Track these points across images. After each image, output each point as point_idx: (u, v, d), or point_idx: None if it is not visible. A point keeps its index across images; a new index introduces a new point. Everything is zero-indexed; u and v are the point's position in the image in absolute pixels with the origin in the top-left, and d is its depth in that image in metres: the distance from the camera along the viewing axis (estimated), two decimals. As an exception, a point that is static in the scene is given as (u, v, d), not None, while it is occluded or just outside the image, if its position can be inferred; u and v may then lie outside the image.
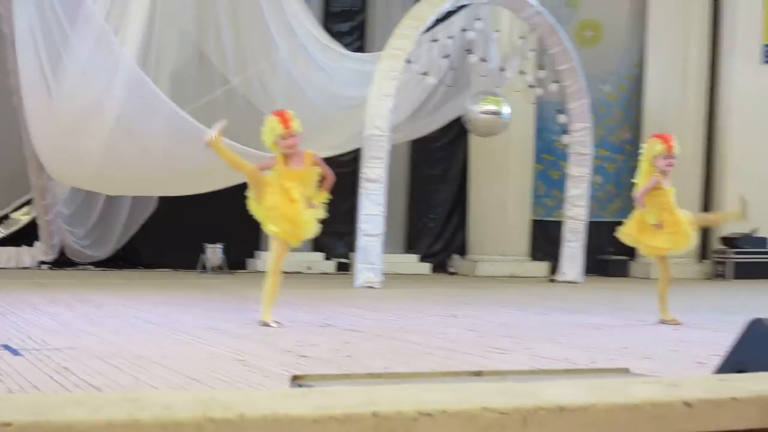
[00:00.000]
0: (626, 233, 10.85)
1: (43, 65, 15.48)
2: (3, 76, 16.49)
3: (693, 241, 10.81)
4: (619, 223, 19.96)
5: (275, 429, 3.38)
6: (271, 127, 9.51)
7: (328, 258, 19.35)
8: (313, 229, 9.79)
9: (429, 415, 3.51)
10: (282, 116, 9.54)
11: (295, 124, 9.53)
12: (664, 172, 10.42)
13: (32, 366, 6.55)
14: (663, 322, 10.22)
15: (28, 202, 18.45)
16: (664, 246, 10.57)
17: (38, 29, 15.39)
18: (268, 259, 10.29)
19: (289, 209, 9.44)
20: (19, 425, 3.16)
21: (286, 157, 9.50)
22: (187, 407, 3.40)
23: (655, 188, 10.39)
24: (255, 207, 9.70)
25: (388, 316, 10.52)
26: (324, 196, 9.73)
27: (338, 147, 16.81)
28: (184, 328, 9.16)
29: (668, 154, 10.33)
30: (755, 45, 19.68)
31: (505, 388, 3.91)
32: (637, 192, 10.55)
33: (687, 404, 3.73)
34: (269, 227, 9.66)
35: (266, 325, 9.35)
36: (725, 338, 7.16)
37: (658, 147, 10.34)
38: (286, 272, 17.87)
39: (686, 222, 10.58)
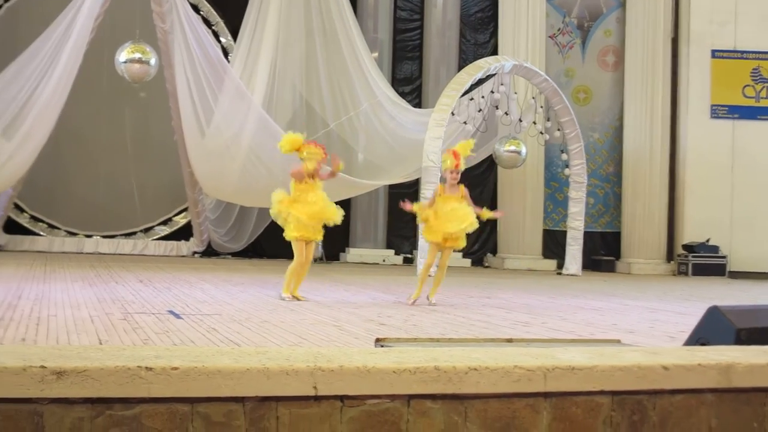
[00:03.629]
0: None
1: (197, 111, 15.58)
2: (168, 120, 16.58)
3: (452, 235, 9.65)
4: (607, 233, 20.14)
5: (365, 376, 3.36)
6: (314, 153, 9.41)
7: (397, 254, 19.30)
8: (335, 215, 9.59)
9: (475, 369, 3.48)
10: (323, 148, 9.53)
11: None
12: (451, 183, 9.47)
13: (189, 326, 6.56)
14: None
15: (185, 209, 18.56)
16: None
17: (193, 86, 15.50)
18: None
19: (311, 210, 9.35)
20: (184, 369, 3.16)
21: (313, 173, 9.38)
22: (301, 359, 3.39)
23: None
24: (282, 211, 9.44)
25: (441, 297, 10.41)
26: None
27: (410, 175, 16.82)
28: (295, 301, 9.16)
29: (454, 170, 9.39)
30: (705, 104, 19.51)
31: (530, 352, 3.86)
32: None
33: (665, 368, 3.68)
34: (291, 234, 9.48)
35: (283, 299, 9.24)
36: (689, 320, 7.08)
37: (448, 162, 9.42)
38: (366, 263, 18.16)
39: (451, 219, 9.44)
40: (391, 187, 18.29)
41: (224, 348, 4.82)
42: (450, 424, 3.44)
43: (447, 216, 9.30)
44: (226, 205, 17.78)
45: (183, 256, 18.05)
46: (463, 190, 9.52)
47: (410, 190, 18.56)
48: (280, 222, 9.43)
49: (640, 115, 19.71)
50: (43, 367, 3.01)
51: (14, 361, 3.02)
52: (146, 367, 3.10)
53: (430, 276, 9.65)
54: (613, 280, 16.27)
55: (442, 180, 9.80)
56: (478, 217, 9.47)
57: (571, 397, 3.58)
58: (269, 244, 18.66)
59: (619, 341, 4.80)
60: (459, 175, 9.39)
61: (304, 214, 9.21)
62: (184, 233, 18.64)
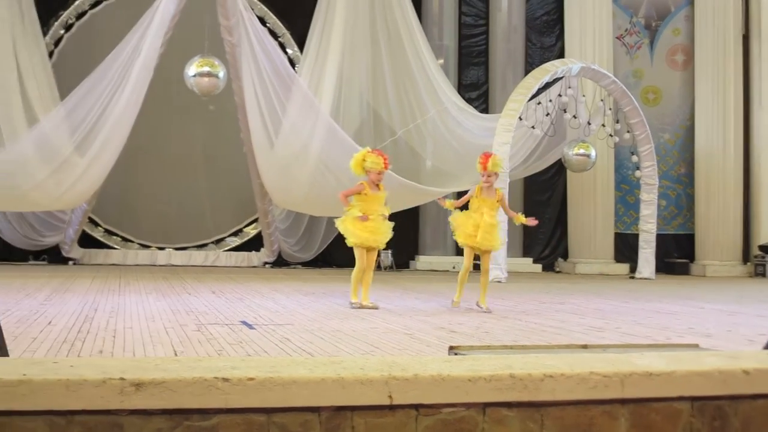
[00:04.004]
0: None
1: (266, 122, 15.71)
2: (237, 132, 16.75)
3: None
4: (680, 235, 19.85)
5: (440, 385, 3.34)
6: (375, 162, 9.30)
7: (466, 260, 19.22)
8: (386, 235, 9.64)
9: (551, 376, 3.44)
10: (383, 156, 9.42)
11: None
12: (486, 186, 9.55)
13: (262, 337, 6.60)
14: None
15: (255, 220, 18.73)
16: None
17: (261, 97, 15.63)
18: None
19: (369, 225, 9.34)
20: (260, 379, 3.18)
21: (373, 184, 9.34)
22: (375, 368, 3.38)
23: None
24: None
25: (512, 303, 10.38)
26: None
27: (478, 182, 16.68)
28: (366, 310, 9.16)
29: (484, 172, 9.46)
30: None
31: (606, 358, 3.81)
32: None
33: (745, 372, 3.60)
34: (350, 240, 9.45)
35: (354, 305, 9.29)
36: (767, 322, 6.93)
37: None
38: (436, 270, 18.13)
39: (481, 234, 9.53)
40: (460, 193, 18.23)
41: (299, 358, 4.84)
42: (526, 432, 3.41)
43: (478, 227, 9.29)
44: (296, 215, 17.90)
45: (254, 267, 18.21)
46: (499, 193, 9.64)
47: (479, 196, 18.54)
48: (341, 230, 9.49)
49: (711, 114, 19.42)
50: (122, 379, 3.05)
51: (94, 374, 3.07)
52: (223, 378, 3.13)
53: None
54: (687, 283, 16.02)
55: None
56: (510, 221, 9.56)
57: (650, 403, 3.52)
58: (339, 254, 18.73)
59: (697, 345, 4.71)
60: (492, 179, 9.45)
61: (358, 229, 9.24)
62: (254, 244, 18.81)
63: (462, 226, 9.60)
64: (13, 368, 3.09)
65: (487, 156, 9.49)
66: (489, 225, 9.40)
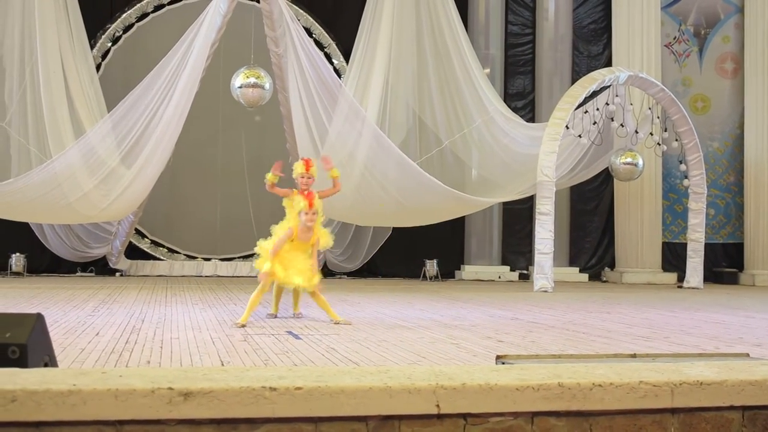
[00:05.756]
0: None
1: (312, 132, 15.75)
2: (282, 142, 16.80)
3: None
4: (729, 245, 19.63)
5: (488, 394, 3.34)
6: (296, 168, 9.18)
7: (512, 270, 19.18)
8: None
9: (600, 386, 3.43)
10: (307, 161, 9.24)
11: (313, 169, 9.20)
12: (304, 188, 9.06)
13: (308, 347, 6.62)
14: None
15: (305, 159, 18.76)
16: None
17: (308, 108, 15.68)
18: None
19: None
20: (307, 389, 3.19)
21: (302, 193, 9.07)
22: (423, 377, 3.39)
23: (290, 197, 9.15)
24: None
25: (559, 312, 10.30)
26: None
27: (524, 192, 16.71)
28: (412, 320, 9.15)
29: (306, 174, 9.05)
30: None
31: (656, 367, 3.78)
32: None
33: (798, 381, 3.55)
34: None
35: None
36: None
37: (300, 169, 9.10)
38: (481, 280, 18.10)
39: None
40: (505, 202, 18.21)
41: (346, 367, 4.85)
42: (575, 442, 3.40)
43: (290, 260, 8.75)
44: (342, 224, 17.93)
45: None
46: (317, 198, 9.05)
47: (525, 205, 18.47)
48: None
49: (761, 123, 19.21)
50: (170, 388, 3.08)
51: (143, 383, 3.10)
52: (270, 388, 3.15)
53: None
54: (736, 293, 15.82)
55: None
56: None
57: (700, 412, 3.49)
58: (384, 263, 18.80)
59: (747, 355, 4.66)
60: (310, 181, 9.04)
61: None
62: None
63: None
64: (63, 378, 3.13)
65: (309, 162, 9.20)
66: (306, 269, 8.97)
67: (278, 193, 9.35)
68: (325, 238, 8.79)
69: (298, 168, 9.28)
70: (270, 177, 9.23)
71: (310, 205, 8.52)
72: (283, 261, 8.48)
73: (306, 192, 8.73)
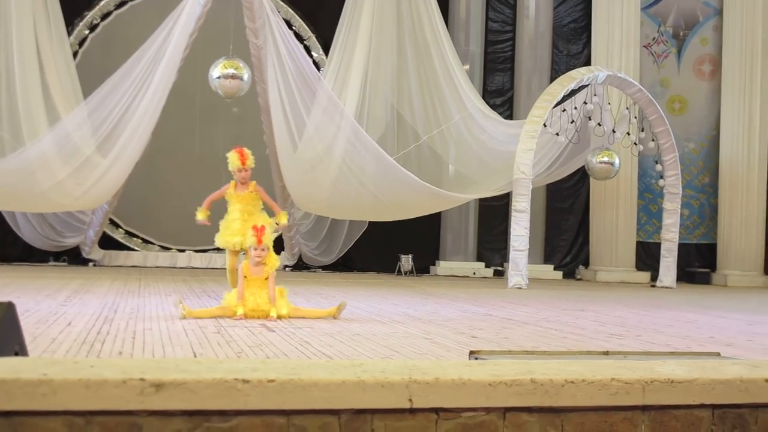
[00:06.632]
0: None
1: (290, 124, 15.73)
2: (260, 134, 16.76)
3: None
4: (702, 245, 19.76)
5: (461, 389, 3.35)
6: (232, 161, 9.37)
7: (487, 266, 19.24)
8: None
9: (572, 382, 3.44)
10: (241, 152, 9.33)
11: (249, 161, 9.34)
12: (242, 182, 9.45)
13: (282, 340, 6.62)
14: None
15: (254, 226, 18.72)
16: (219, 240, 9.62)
17: (286, 100, 15.64)
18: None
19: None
20: (280, 381, 3.19)
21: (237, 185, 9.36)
22: (396, 372, 3.39)
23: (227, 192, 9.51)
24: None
25: (532, 309, 10.35)
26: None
27: (502, 189, 16.75)
28: (386, 314, 9.17)
29: (242, 168, 9.37)
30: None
31: (628, 365, 3.80)
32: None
33: (767, 380, 3.58)
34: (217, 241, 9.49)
35: None
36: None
37: (235, 162, 9.37)
38: (456, 276, 18.13)
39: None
40: (482, 199, 18.25)
41: (319, 360, 4.85)
42: (546, 438, 3.41)
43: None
44: (318, 218, 17.92)
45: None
46: (253, 186, 9.45)
47: (501, 202, 18.52)
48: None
49: (737, 125, 19.36)
50: (142, 379, 3.06)
51: (114, 374, 3.08)
52: (243, 380, 3.14)
53: None
54: (708, 293, 15.95)
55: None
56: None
57: (671, 410, 3.52)
58: (360, 257, 18.80)
59: (718, 354, 4.70)
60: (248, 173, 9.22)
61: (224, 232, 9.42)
62: (275, 247, 18.77)
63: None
64: (33, 368, 3.11)
65: (242, 152, 9.34)
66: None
67: (216, 197, 9.45)
68: (273, 260, 8.66)
69: (234, 161, 9.28)
70: (199, 215, 9.31)
71: (259, 241, 8.40)
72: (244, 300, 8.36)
73: (257, 229, 8.49)
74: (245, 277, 8.40)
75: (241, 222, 9.33)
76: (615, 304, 11.86)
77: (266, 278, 8.42)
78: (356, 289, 13.09)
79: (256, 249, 8.37)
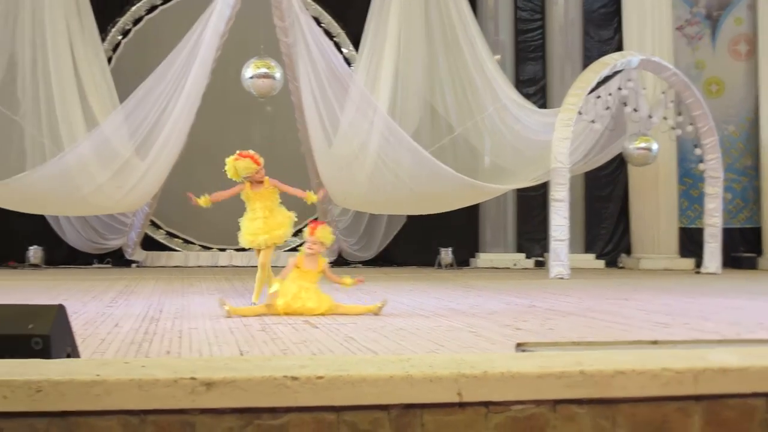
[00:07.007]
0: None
1: (324, 121, 15.75)
2: (294, 132, 16.80)
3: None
4: (747, 229, 19.52)
5: (510, 382, 3.34)
6: (247, 167, 9.28)
7: (528, 257, 19.15)
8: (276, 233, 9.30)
9: (623, 373, 3.42)
10: (251, 156, 9.33)
11: (261, 159, 9.35)
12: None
13: (327, 336, 6.63)
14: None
15: (314, 220, 18.78)
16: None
17: (318, 97, 15.67)
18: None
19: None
20: (329, 378, 3.20)
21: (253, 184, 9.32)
22: (444, 366, 3.39)
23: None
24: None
25: (575, 299, 10.29)
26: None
27: (538, 178, 16.62)
28: (428, 308, 9.16)
29: (260, 168, 9.34)
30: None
31: (678, 354, 3.77)
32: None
33: (823, 365, 3.53)
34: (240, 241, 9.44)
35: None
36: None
37: (252, 166, 9.29)
38: (496, 268, 18.07)
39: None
40: (520, 189, 18.17)
41: (367, 356, 4.86)
42: (598, 429, 3.40)
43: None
44: (355, 213, 17.94)
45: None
46: (269, 181, 9.40)
47: (539, 192, 18.42)
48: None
49: (777, 106, 19.11)
50: (193, 378, 3.09)
51: (165, 373, 3.11)
52: (292, 377, 3.15)
53: None
54: (755, 278, 15.78)
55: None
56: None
57: (724, 399, 3.48)
58: (399, 252, 18.79)
59: (769, 340, 4.64)
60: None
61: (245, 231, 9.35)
62: (315, 243, 18.87)
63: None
64: (87, 369, 3.15)
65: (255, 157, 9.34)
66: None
67: (226, 196, 9.47)
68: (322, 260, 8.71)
69: (249, 166, 9.30)
70: (201, 202, 9.35)
71: (311, 233, 8.63)
72: (288, 292, 8.42)
73: (314, 223, 8.86)
74: (297, 267, 8.41)
75: (264, 220, 9.36)
76: (659, 292, 11.76)
77: (320, 271, 8.53)
78: (397, 284, 13.09)
79: (310, 241, 8.51)
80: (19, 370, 3.07)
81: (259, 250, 9.48)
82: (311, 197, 9.59)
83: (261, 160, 9.42)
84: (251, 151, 9.54)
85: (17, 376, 2.99)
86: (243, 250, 18.25)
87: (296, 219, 9.76)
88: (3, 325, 3.63)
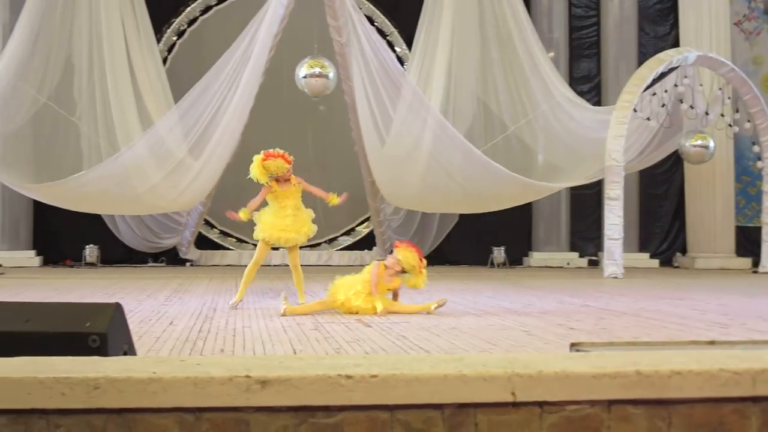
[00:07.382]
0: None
1: (377, 120, 15.80)
2: (347, 131, 16.85)
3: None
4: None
5: (565, 382, 3.31)
6: (279, 167, 9.24)
7: (581, 256, 19.01)
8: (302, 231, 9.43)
9: (679, 373, 3.38)
10: (282, 155, 9.32)
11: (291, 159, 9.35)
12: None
13: (379, 335, 6.65)
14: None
15: (367, 219, 18.84)
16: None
17: (372, 96, 15.71)
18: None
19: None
20: (383, 376, 3.20)
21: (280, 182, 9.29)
22: (498, 365, 3.37)
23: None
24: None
25: (630, 299, 10.20)
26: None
27: (592, 176, 16.52)
28: (481, 307, 9.15)
29: (290, 167, 9.34)
30: None
31: (736, 354, 3.71)
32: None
33: None
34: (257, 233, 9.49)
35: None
36: None
37: (284, 165, 9.25)
38: (549, 267, 17.97)
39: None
40: (573, 188, 18.04)
41: (421, 355, 4.86)
42: (653, 430, 3.36)
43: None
44: (408, 212, 17.95)
45: (367, 265, 18.29)
46: (295, 179, 9.42)
47: (593, 190, 18.28)
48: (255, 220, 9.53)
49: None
50: (248, 376, 3.11)
51: (220, 371, 3.14)
52: (346, 375, 3.16)
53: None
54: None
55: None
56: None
57: (783, 401, 3.42)
58: (452, 250, 18.75)
59: (830, 341, 4.56)
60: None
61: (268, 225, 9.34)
62: (367, 242, 18.93)
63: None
64: (143, 366, 3.18)
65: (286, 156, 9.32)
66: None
67: (258, 202, 9.45)
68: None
69: (281, 166, 9.25)
70: (243, 215, 9.32)
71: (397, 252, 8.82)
72: (350, 288, 8.52)
73: (404, 244, 9.13)
74: (379, 275, 8.59)
75: (293, 218, 9.39)
76: (715, 292, 11.61)
77: (392, 288, 8.71)
78: (450, 283, 13.08)
79: (392, 260, 8.73)
80: (77, 367, 3.12)
81: (276, 248, 9.52)
82: (333, 199, 9.66)
83: (291, 158, 9.48)
84: (279, 150, 9.56)
85: (75, 374, 3.03)
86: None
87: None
88: (61, 323, 3.69)
